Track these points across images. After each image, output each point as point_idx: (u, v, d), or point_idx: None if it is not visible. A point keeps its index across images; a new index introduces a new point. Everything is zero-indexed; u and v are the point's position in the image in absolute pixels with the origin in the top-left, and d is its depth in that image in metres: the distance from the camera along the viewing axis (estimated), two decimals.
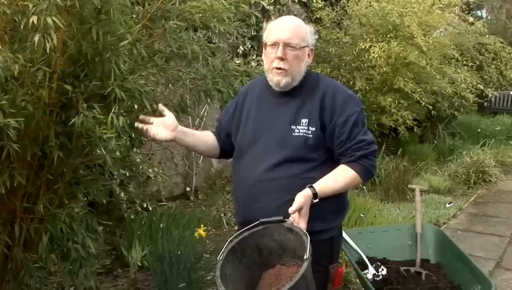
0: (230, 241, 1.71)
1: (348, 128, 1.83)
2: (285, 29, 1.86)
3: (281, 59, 1.83)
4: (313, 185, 1.78)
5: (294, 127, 1.85)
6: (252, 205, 1.87)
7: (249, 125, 1.96)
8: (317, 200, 1.76)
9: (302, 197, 1.72)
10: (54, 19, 1.87)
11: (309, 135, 1.84)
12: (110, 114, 2.05)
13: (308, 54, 1.91)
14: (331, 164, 1.87)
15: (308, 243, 1.55)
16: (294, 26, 1.88)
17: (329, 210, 1.86)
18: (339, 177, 1.84)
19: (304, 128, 1.84)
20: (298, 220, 1.70)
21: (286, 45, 1.83)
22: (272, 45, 1.86)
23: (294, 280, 1.48)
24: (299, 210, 1.71)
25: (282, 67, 1.84)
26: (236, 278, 1.66)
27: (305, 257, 1.52)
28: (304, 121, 1.85)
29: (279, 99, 1.92)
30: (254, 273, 1.71)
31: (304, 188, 1.76)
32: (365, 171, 1.85)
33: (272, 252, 1.72)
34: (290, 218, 1.71)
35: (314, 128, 1.84)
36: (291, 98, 1.90)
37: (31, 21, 1.88)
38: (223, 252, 1.67)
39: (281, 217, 1.71)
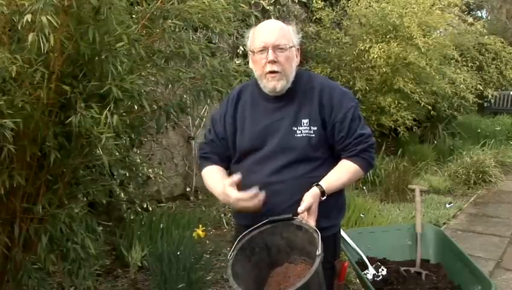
0: (240, 240, 1.73)
1: (347, 124, 1.87)
2: (271, 33, 1.86)
3: (273, 62, 1.83)
4: (320, 183, 1.81)
5: (296, 129, 1.87)
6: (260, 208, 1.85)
7: (247, 132, 1.94)
8: (324, 197, 1.80)
9: (311, 197, 1.75)
10: (48, 18, 1.86)
11: (312, 135, 1.86)
12: (105, 112, 2.04)
13: (296, 54, 1.92)
14: (332, 161, 1.91)
15: (320, 239, 1.58)
16: (278, 28, 1.89)
17: (333, 207, 1.90)
18: (342, 173, 1.88)
19: (306, 129, 1.86)
20: (307, 219, 1.73)
21: (275, 48, 1.83)
22: (260, 50, 1.86)
23: (307, 276, 1.49)
24: (308, 209, 1.73)
25: (276, 70, 1.84)
26: (246, 276, 1.68)
27: (317, 253, 1.54)
28: (305, 121, 1.87)
29: (274, 104, 1.92)
30: (262, 272, 1.73)
31: (311, 187, 1.78)
32: (367, 164, 1.92)
33: (280, 250, 1.74)
34: (299, 216, 1.73)
35: (316, 128, 1.86)
36: (287, 100, 1.90)
37: (25, 19, 1.88)
38: (233, 251, 1.69)
39: (290, 215, 1.73)
